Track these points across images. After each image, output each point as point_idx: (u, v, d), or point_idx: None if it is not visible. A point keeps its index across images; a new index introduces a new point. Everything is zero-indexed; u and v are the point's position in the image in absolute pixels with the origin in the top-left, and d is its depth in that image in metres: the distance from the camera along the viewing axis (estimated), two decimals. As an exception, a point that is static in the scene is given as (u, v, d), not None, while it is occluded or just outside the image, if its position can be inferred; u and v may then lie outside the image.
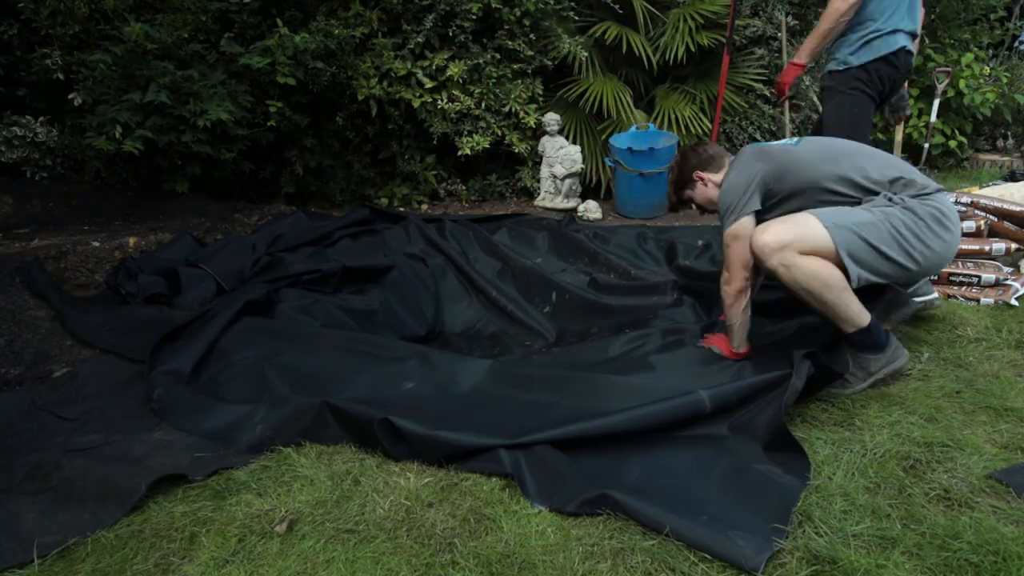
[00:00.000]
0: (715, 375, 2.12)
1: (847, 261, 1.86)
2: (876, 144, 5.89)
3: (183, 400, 2.03)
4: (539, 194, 4.79)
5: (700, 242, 3.47)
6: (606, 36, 4.81)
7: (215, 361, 2.28)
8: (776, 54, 5.26)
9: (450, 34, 4.45)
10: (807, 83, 5.25)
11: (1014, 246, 2.86)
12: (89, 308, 2.80)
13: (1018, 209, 2.94)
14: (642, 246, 3.58)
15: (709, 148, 2.33)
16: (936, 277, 2.75)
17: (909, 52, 2.76)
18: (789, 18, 5.18)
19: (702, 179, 2.31)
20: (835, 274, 1.88)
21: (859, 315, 1.94)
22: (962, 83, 5.65)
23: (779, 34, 5.15)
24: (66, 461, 1.69)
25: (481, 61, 4.49)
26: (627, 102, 4.95)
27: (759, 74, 5.29)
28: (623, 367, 2.24)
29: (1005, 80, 6.08)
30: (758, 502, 1.47)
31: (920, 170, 5.76)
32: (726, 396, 1.78)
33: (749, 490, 1.53)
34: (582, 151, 4.75)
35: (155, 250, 3.34)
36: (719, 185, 2.23)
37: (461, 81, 4.49)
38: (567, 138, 4.84)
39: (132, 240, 3.37)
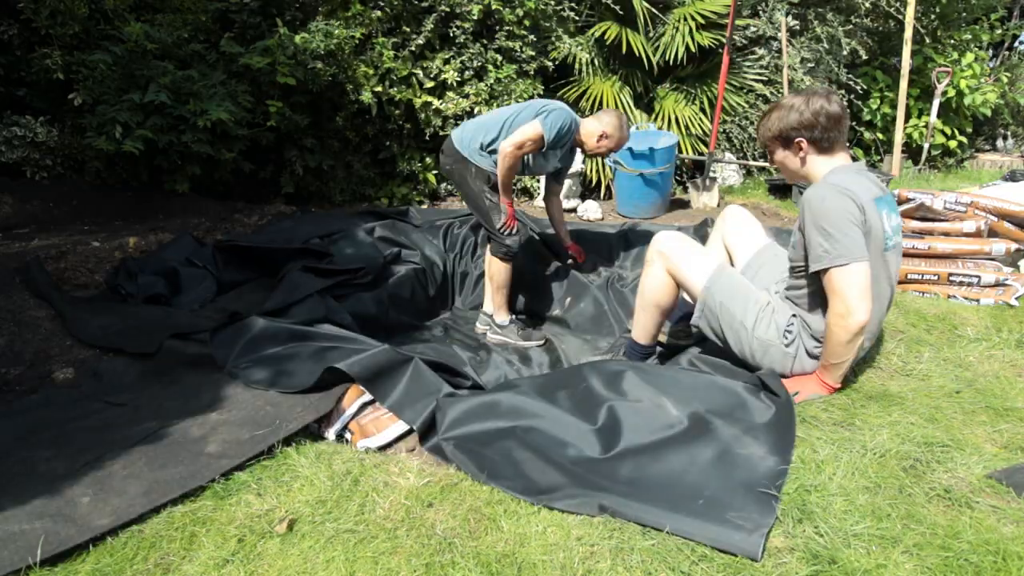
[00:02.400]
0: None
1: (696, 312, 2.13)
2: (877, 144, 5.88)
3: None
4: (539, 194, 4.79)
5: None
6: (606, 36, 4.81)
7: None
8: (776, 54, 5.27)
9: (450, 34, 4.45)
10: (807, 83, 5.25)
11: (1014, 246, 2.86)
12: (90, 307, 2.80)
13: (1018, 209, 2.94)
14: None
15: (841, 122, 1.87)
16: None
17: None
18: (789, 18, 5.18)
19: (803, 150, 1.91)
20: (661, 298, 2.22)
21: (647, 333, 2.34)
22: (962, 83, 5.65)
23: (779, 34, 5.16)
24: (125, 453, 1.73)
25: (481, 62, 4.49)
26: (627, 102, 4.95)
27: (759, 74, 5.29)
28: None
29: (1005, 80, 6.08)
30: (745, 487, 1.50)
31: (919, 170, 5.77)
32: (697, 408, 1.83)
33: (736, 475, 1.55)
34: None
35: (155, 250, 3.34)
36: (811, 176, 1.94)
37: (459, 83, 4.49)
38: (567, 138, 4.84)
39: (132, 240, 3.37)
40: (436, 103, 4.47)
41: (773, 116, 1.94)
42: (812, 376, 1.95)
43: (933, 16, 5.80)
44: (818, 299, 1.90)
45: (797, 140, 1.89)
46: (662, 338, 2.48)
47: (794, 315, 1.98)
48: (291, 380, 2.07)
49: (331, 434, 1.87)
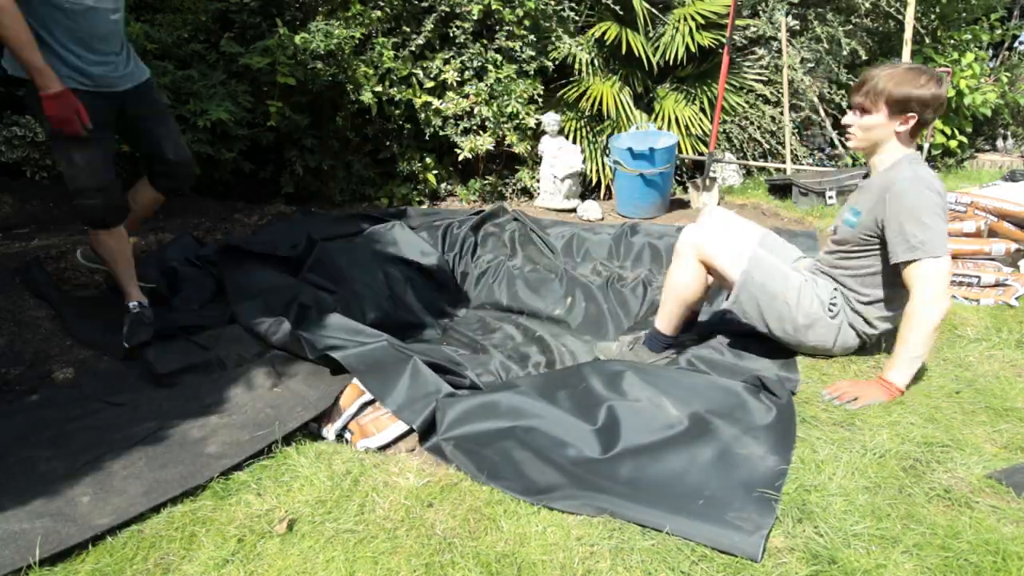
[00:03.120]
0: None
1: (732, 297, 2.12)
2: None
3: None
4: (539, 194, 4.79)
5: None
6: (606, 36, 4.81)
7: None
8: (776, 54, 5.27)
9: (450, 34, 4.45)
10: (807, 83, 5.25)
11: (1014, 246, 2.85)
12: (90, 310, 2.80)
13: (1018, 209, 2.93)
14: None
15: (938, 107, 1.90)
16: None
17: None
18: (789, 18, 5.18)
19: (907, 125, 1.90)
20: (688, 292, 2.24)
21: (671, 324, 2.34)
22: (962, 83, 5.65)
23: (779, 34, 5.16)
24: (125, 453, 1.73)
25: (481, 62, 4.49)
26: (627, 103, 4.95)
27: (759, 74, 5.29)
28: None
29: (1005, 80, 6.08)
30: (745, 488, 1.50)
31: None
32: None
33: (736, 475, 1.55)
34: (582, 151, 4.75)
35: (155, 250, 3.34)
36: (884, 159, 1.96)
37: (459, 83, 4.49)
38: (567, 138, 4.85)
39: (132, 240, 3.36)
40: (436, 103, 4.47)
41: (899, 79, 1.87)
42: (873, 380, 1.92)
43: (933, 16, 5.80)
44: (878, 280, 1.98)
45: (911, 115, 1.89)
46: None
47: (836, 288, 2.05)
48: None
49: (331, 434, 1.87)
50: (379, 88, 4.30)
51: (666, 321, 2.37)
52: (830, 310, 2.03)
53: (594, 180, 5.05)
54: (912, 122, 1.89)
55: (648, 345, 2.44)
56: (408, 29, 4.45)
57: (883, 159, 1.97)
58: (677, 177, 5.20)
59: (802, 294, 2.03)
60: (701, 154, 5.00)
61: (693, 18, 4.90)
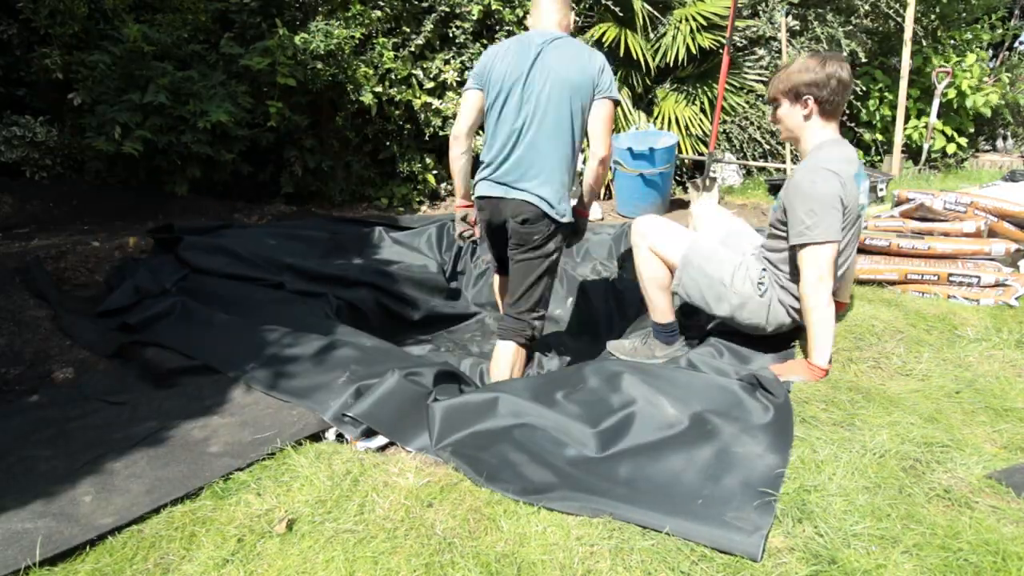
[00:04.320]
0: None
1: (675, 279, 2.27)
2: (877, 144, 5.87)
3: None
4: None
5: None
6: (605, 37, 4.81)
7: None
8: (776, 54, 5.27)
9: (450, 35, 4.46)
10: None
11: (1014, 246, 2.85)
12: (90, 310, 2.79)
13: (1018, 209, 2.93)
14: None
15: (847, 89, 2.02)
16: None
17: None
18: (789, 18, 5.19)
19: (808, 107, 2.03)
20: (657, 277, 2.32)
21: (661, 311, 2.40)
22: (963, 84, 5.65)
23: (779, 35, 5.16)
24: (126, 452, 1.73)
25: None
26: (627, 103, 4.95)
27: (759, 74, 5.30)
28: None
29: (1006, 80, 6.08)
30: (744, 487, 1.50)
31: (919, 170, 5.75)
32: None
33: (735, 475, 1.55)
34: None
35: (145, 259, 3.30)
36: (806, 147, 2.08)
37: (459, 83, 4.49)
38: (567, 138, 4.85)
39: (132, 240, 3.37)
40: (436, 103, 4.47)
41: (789, 70, 2.06)
42: (798, 360, 2.07)
43: (933, 16, 5.80)
44: (793, 260, 2.09)
45: (806, 97, 2.03)
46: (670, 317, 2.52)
47: (763, 268, 2.18)
48: (290, 383, 2.06)
49: (331, 434, 1.87)
50: (379, 88, 4.30)
51: (656, 311, 2.44)
52: (759, 288, 2.14)
53: (594, 180, 5.05)
54: (811, 105, 2.03)
55: (658, 339, 2.50)
56: (408, 29, 4.46)
57: (804, 147, 2.11)
58: (677, 177, 5.21)
59: (736, 275, 2.17)
60: (701, 154, 5.00)
61: (694, 19, 4.90)
